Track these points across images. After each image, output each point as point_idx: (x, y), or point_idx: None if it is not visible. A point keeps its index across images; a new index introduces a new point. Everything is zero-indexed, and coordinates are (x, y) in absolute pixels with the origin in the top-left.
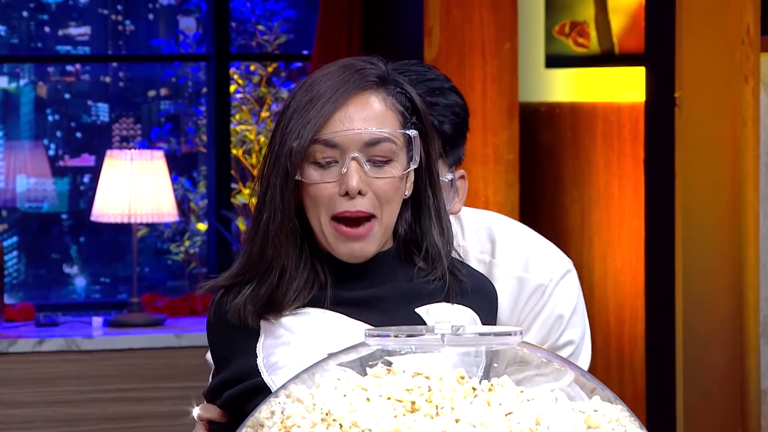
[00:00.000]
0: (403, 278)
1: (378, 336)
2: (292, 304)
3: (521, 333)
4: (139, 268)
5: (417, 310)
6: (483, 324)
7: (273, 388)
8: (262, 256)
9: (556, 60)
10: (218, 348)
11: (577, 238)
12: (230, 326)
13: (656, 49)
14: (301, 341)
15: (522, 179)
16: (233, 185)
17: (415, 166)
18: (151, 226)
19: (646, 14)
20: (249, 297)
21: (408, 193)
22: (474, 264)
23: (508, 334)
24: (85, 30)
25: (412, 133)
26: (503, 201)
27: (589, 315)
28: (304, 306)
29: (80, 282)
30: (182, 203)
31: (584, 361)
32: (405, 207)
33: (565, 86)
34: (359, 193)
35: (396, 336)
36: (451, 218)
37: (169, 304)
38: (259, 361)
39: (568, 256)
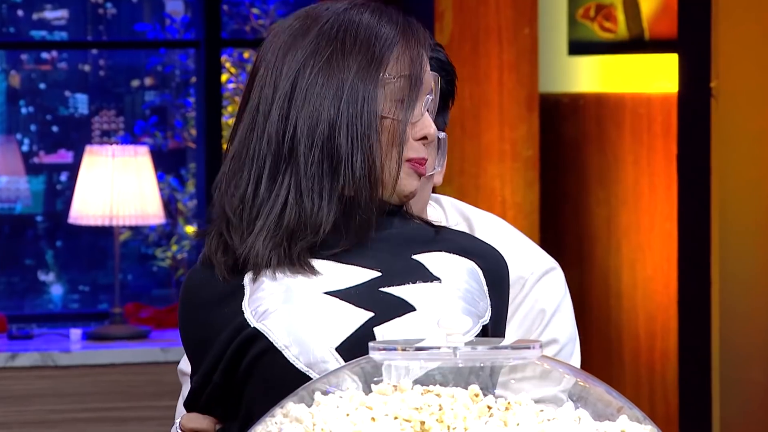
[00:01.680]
0: (391, 224)
1: (384, 349)
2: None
3: (541, 346)
4: (121, 275)
5: (415, 257)
6: (487, 281)
7: (267, 335)
8: (263, 192)
9: (580, 46)
10: (196, 331)
11: (603, 242)
12: (209, 298)
13: (690, 34)
14: (290, 287)
15: (542, 178)
16: None
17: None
18: (135, 230)
19: None
20: (227, 246)
21: None
22: None
23: (527, 347)
24: (62, 13)
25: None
26: (522, 201)
27: (617, 326)
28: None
29: (57, 290)
30: (169, 204)
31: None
32: None
33: (590, 75)
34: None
35: (404, 349)
36: (431, 202)
37: (154, 315)
38: (248, 315)
39: (593, 262)
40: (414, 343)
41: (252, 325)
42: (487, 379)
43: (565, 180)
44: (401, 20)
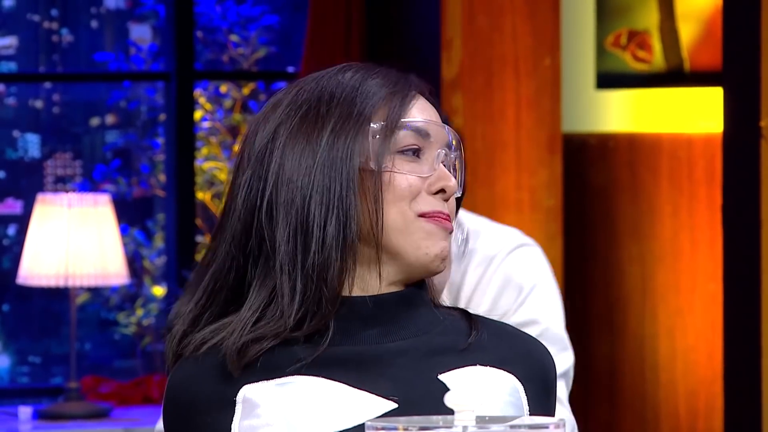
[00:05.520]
0: (414, 328)
1: (383, 429)
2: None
3: (564, 425)
4: (78, 344)
5: (441, 377)
6: (530, 397)
7: None
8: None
9: (609, 79)
10: (179, 428)
11: (637, 305)
12: (195, 399)
13: (737, 65)
14: (287, 422)
15: (566, 231)
16: (198, 238)
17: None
18: (94, 291)
19: (724, 22)
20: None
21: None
22: None
23: (545, 426)
24: (11, 41)
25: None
26: None
27: (653, 403)
28: (289, 372)
29: (3, 362)
30: (134, 261)
31: (566, 358)
32: None
33: (621, 112)
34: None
35: (406, 429)
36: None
37: (116, 390)
38: None
39: (626, 329)
40: (418, 421)
41: None
42: None
43: (592, 234)
44: (393, 73)
